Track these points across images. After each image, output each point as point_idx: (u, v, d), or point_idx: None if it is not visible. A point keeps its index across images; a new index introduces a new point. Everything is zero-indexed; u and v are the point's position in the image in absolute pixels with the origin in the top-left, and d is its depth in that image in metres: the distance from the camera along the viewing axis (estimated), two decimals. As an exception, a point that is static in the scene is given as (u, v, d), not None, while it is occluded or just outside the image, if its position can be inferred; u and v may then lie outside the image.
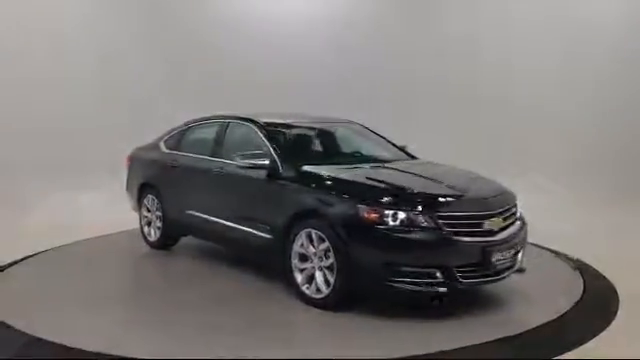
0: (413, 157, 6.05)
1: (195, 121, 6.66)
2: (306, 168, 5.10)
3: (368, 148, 6.18)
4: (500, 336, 4.20)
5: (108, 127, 9.34)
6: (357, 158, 5.91)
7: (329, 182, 4.81)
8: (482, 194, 4.75)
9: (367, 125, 6.53)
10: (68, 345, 4.01)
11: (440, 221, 4.33)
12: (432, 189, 4.74)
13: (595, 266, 6.04)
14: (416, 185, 4.76)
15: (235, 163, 5.44)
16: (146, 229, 6.94)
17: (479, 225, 4.47)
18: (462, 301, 4.86)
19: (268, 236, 5.13)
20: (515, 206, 4.96)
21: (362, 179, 4.82)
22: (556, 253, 6.60)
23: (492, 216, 4.54)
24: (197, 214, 6.12)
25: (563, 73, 9.33)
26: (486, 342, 4.09)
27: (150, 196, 6.81)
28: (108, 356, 3.86)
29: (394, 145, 6.22)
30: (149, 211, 6.86)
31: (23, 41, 9.08)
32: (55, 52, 9.32)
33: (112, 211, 8.24)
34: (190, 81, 9.71)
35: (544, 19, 9.50)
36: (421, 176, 5.03)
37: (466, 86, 9.85)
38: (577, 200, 8.51)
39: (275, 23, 9.91)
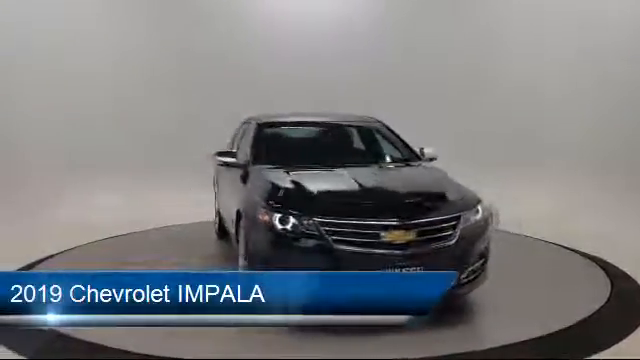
0: (419, 159, 5.63)
1: (243, 121, 6.80)
2: (255, 167, 5.10)
3: (358, 149, 6.01)
4: (530, 337, 4.13)
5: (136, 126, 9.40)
6: (333, 160, 5.42)
7: (256, 183, 4.81)
8: (402, 203, 4.41)
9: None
10: (93, 342, 3.95)
11: (324, 228, 4.12)
12: (339, 196, 4.57)
13: (619, 266, 5.92)
14: (331, 191, 4.60)
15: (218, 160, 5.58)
16: (214, 219, 7.37)
17: (375, 236, 4.13)
18: (490, 302, 4.81)
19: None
20: (454, 220, 4.34)
21: (282, 182, 4.67)
22: (581, 253, 6.47)
23: (394, 227, 4.12)
24: (221, 209, 6.42)
25: (591, 66, 9.23)
26: (517, 342, 4.03)
27: (216, 190, 7.25)
28: (135, 354, 3.83)
29: (406, 146, 5.85)
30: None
31: (56, 38, 9.16)
32: (87, 49, 9.38)
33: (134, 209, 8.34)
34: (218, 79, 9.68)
35: (574, 12, 9.38)
36: (356, 182, 4.70)
37: (488, 81, 9.70)
38: (603, 198, 8.38)
39: (294, 23, 9.89)
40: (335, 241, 4.09)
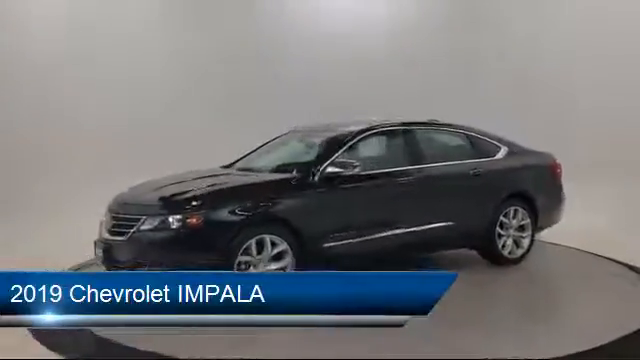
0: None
1: None
2: None
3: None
4: (577, 350, 3.88)
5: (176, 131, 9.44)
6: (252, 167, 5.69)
7: None
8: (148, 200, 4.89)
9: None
10: (139, 349, 3.87)
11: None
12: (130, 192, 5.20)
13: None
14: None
15: None
16: None
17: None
18: (533, 311, 4.78)
19: None
20: (136, 220, 4.63)
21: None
22: (624, 265, 6.09)
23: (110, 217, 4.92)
24: None
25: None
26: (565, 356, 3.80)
27: None
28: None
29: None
30: None
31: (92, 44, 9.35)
32: (128, 54, 9.50)
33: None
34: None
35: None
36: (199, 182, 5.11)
37: (530, 87, 9.52)
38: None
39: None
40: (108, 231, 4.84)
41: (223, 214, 4.56)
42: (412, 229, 5.38)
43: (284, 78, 9.49)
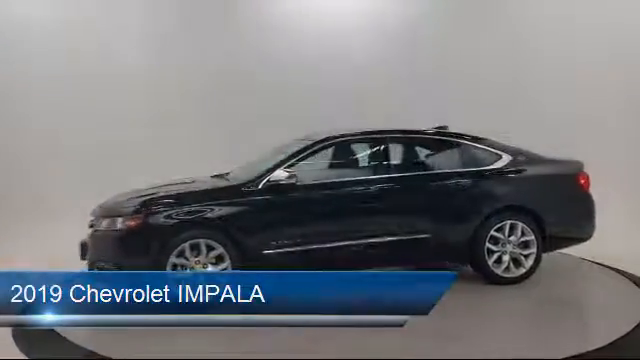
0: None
1: None
2: None
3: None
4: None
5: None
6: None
7: None
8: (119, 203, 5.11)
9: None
10: None
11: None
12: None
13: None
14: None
15: None
16: None
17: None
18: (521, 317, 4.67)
19: None
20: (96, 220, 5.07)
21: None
22: (619, 271, 5.88)
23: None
24: None
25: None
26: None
27: None
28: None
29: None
30: None
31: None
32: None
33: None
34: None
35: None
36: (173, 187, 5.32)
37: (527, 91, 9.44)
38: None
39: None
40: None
41: (159, 218, 4.81)
42: (370, 240, 5.14)
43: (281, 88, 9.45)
